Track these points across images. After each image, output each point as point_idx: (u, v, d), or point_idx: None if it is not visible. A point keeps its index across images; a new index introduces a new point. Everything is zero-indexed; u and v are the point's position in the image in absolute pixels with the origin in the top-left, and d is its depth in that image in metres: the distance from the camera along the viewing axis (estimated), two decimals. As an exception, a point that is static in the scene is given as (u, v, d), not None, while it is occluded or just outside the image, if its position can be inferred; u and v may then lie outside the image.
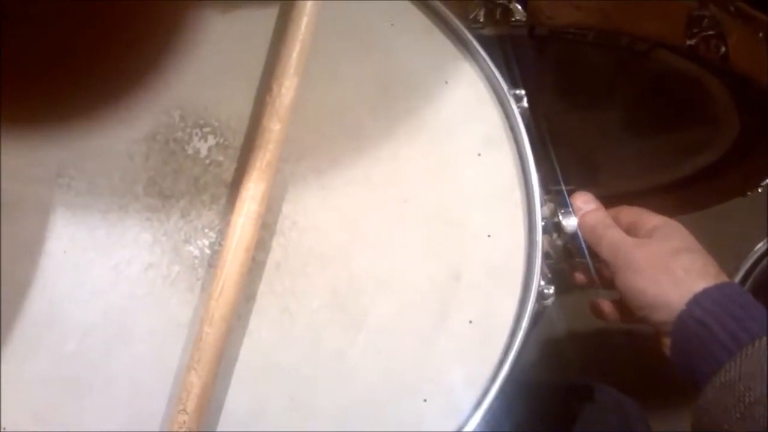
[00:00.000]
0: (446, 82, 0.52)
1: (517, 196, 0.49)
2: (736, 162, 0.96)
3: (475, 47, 0.51)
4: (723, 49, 0.72)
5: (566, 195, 0.51)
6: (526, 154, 0.49)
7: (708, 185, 1.02)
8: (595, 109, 0.98)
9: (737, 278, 0.95)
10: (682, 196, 1.05)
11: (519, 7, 0.71)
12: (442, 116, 0.51)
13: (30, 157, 0.49)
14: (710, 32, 0.71)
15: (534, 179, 0.49)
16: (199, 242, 0.48)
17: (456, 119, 0.51)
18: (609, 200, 1.02)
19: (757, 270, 1.00)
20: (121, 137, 0.50)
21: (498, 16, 0.70)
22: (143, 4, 0.52)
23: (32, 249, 0.48)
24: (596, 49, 0.82)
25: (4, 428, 0.44)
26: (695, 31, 0.72)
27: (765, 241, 1.00)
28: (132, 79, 0.51)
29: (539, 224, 0.48)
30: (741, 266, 1.00)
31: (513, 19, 0.71)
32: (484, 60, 0.51)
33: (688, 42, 0.72)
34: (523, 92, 0.51)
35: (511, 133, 0.50)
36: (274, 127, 0.47)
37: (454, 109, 0.51)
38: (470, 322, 0.47)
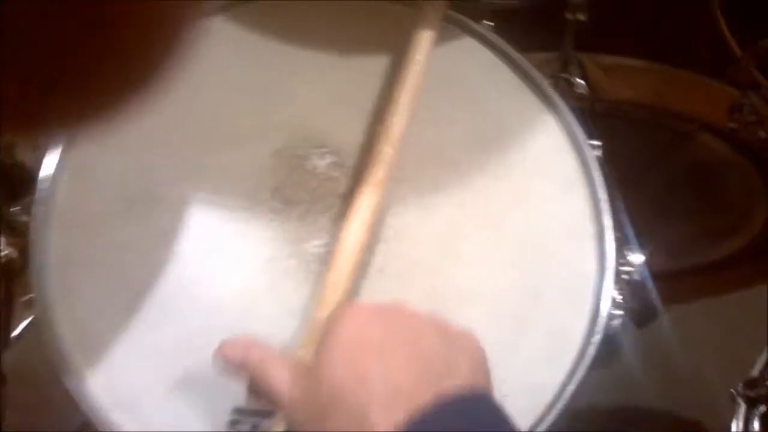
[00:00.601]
0: (530, 130, 0.61)
1: (591, 230, 0.57)
2: (765, 248, 1.02)
3: (557, 102, 0.60)
4: (762, 134, 0.81)
5: (631, 233, 0.59)
6: (599, 194, 0.57)
7: (736, 270, 1.08)
8: (631, 187, 1.06)
9: (756, 368, 0.98)
10: (710, 279, 1.11)
11: (581, 81, 0.81)
12: (528, 158, 0.60)
13: (175, 157, 0.58)
14: (750, 118, 0.80)
15: (606, 216, 0.57)
16: (313, 242, 0.56)
17: (539, 161, 0.59)
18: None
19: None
20: (254, 150, 0.59)
21: (563, 88, 0.80)
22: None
23: (168, 236, 0.56)
24: (644, 128, 0.91)
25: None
26: (736, 116, 0.81)
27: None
28: (270, 105, 0.60)
29: (611, 256, 0.55)
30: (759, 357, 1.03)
31: (576, 91, 0.81)
32: (565, 113, 0.60)
33: (730, 125, 0.81)
34: (598, 143, 0.60)
35: (587, 177, 0.58)
36: (387, 151, 0.55)
37: (537, 152, 0.60)
38: (547, 334, 0.54)
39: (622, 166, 0.91)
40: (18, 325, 1.05)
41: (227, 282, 0.55)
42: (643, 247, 0.59)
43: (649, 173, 1.00)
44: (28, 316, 1.03)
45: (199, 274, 0.55)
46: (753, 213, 0.99)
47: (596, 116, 0.82)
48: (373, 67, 0.63)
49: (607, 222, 0.56)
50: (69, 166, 0.57)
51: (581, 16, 0.86)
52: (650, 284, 0.62)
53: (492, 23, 0.65)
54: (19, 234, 0.74)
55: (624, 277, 0.58)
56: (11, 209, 0.67)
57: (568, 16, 0.85)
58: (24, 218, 0.74)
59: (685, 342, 1.18)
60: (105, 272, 0.55)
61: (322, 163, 0.59)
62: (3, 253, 0.82)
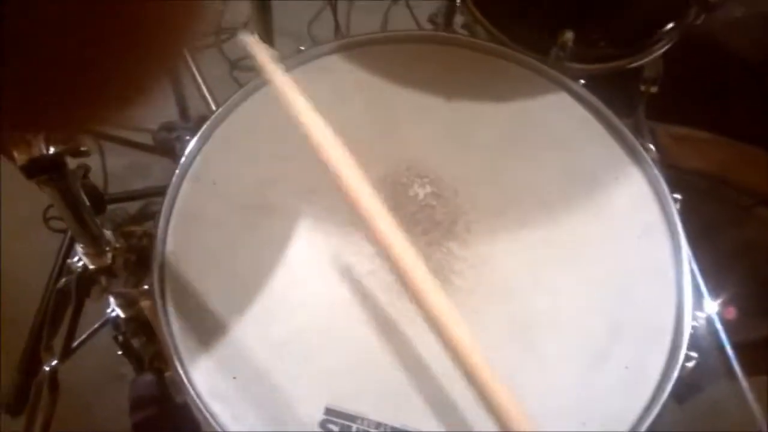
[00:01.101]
0: (617, 179, 0.65)
1: (671, 275, 0.60)
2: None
3: (644, 156, 0.65)
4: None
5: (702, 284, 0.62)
6: (680, 242, 0.61)
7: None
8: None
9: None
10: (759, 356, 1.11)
11: (652, 146, 0.86)
12: (614, 203, 0.64)
13: (288, 168, 0.63)
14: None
15: (686, 264, 0.60)
16: (410, 262, 0.60)
17: (624, 207, 0.64)
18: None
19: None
20: (363, 172, 0.64)
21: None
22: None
23: (278, 243, 0.61)
24: (706, 199, 0.95)
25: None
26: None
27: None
28: (379, 137, 0.66)
29: (688, 301, 0.59)
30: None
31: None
32: (650, 166, 0.64)
33: (788, 199, 0.85)
34: (679, 196, 0.64)
35: (669, 225, 0.62)
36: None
37: (623, 199, 0.64)
38: (626, 367, 0.57)
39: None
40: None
41: (327, 290, 0.59)
42: (715, 298, 0.62)
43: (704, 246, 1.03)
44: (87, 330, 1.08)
45: (303, 279, 0.59)
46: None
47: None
48: (473, 111, 0.68)
49: (687, 268, 0.60)
50: (192, 173, 0.63)
51: (653, 89, 0.92)
52: (724, 338, 0.65)
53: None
54: (97, 245, 0.79)
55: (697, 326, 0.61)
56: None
57: (642, 88, 0.91)
58: (106, 233, 0.80)
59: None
60: (216, 271, 0.59)
61: (422, 192, 0.63)
62: (79, 264, 0.87)
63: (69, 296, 0.98)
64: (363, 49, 0.71)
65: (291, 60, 0.69)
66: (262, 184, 0.63)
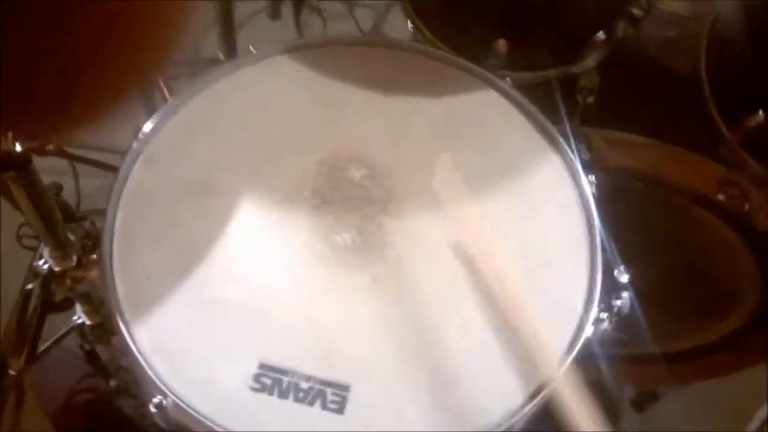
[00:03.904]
0: (537, 163, 0.71)
1: (584, 246, 0.65)
2: (756, 331, 1.07)
3: (561, 143, 0.71)
4: (747, 206, 0.90)
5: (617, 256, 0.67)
6: (593, 219, 0.66)
7: (731, 352, 1.12)
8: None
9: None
10: (706, 362, 1.15)
11: (585, 148, 0.92)
12: (533, 185, 0.69)
13: (233, 153, 0.69)
14: (736, 191, 0.90)
15: (597, 234, 0.65)
16: (344, 234, 0.65)
17: (542, 189, 0.69)
18: (634, 363, 1.11)
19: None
20: (302, 158, 0.69)
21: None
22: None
23: (220, 219, 0.66)
24: (641, 202, 1.00)
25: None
26: (725, 189, 0.90)
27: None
28: (321, 126, 0.72)
29: (599, 268, 0.64)
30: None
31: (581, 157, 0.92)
32: (567, 152, 0.70)
33: (719, 196, 0.90)
34: (593, 178, 0.69)
35: (583, 204, 0.68)
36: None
37: (541, 181, 0.70)
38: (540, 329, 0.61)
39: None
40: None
41: (266, 259, 0.64)
42: (628, 270, 0.67)
43: (645, 254, 1.07)
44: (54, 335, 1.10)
45: (243, 251, 0.64)
46: (744, 295, 1.05)
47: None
48: (409, 105, 0.74)
49: (598, 239, 0.65)
50: (143, 155, 0.68)
51: (590, 99, 0.99)
52: (638, 311, 0.69)
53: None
54: (65, 248, 0.83)
55: (615, 306, 0.65)
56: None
57: (578, 98, 0.97)
58: (71, 237, 0.84)
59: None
60: (160, 243, 0.64)
61: (358, 174, 0.69)
62: (45, 266, 0.90)
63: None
64: (311, 51, 0.78)
65: (240, 60, 0.76)
66: (207, 167, 0.68)
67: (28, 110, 0.56)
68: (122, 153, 0.68)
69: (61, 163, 1.22)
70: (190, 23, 0.56)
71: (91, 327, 0.97)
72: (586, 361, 0.63)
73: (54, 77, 0.52)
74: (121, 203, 0.65)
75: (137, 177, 0.67)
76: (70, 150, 1.20)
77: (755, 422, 0.89)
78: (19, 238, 1.37)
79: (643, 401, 1.27)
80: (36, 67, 0.51)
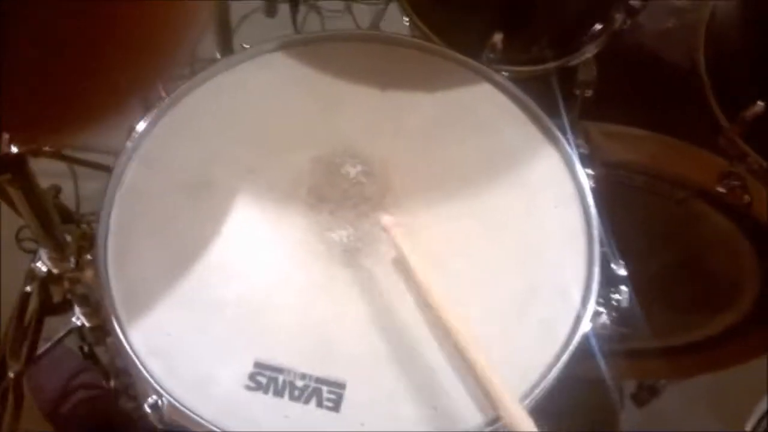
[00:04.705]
0: (533, 157, 0.70)
1: (581, 239, 0.65)
2: (756, 324, 1.07)
3: (558, 136, 0.70)
4: (747, 198, 0.89)
5: (615, 250, 0.66)
6: (590, 212, 0.66)
7: (731, 346, 1.12)
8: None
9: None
10: (707, 356, 1.14)
11: (584, 141, 0.91)
12: (530, 178, 0.69)
13: (228, 151, 0.68)
14: (737, 183, 0.89)
15: (595, 229, 0.65)
16: (340, 232, 0.65)
17: (539, 182, 0.68)
18: (635, 357, 1.11)
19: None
20: (298, 155, 0.69)
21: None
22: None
23: (216, 217, 0.65)
24: (642, 197, 1.00)
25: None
26: (725, 182, 0.90)
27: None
28: (316, 122, 0.72)
29: (597, 262, 0.63)
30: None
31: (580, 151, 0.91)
32: (564, 145, 0.70)
33: (719, 188, 0.90)
34: (591, 171, 0.69)
35: (580, 197, 0.67)
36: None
37: (539, 175, 0.69)
38: (538, 323, 0.61)
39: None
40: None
41: (262, 258, 0.63)
42: (626, 263, 0.66)
43: (646, 249, 1.06)
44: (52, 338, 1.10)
45: (238, 249, 0.64)
46: (744, 288, 1.05)
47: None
48: (404, 100, 0.74)
49: (596, 232, 0.64)
50: (138, 153, 0.68)
51: (588, 93, 0.98)
52: (637, 305, 0.69)
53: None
54: (63, 250, 0.83)
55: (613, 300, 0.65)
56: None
57: (577, 91, 0.97)
58: (69, 239, 0.83)
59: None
60: (155, 242, 0.64)
61: (354, 170, 0.68)
62: (43, 269, 0.90)
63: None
64: (306, 47, 0.77)
65: (235, 57, 0.75)
66: (202, 165, 0.68)
67: (29, 112, 0.56)
68: (116, 153, 0.68)
69: (60, 165, 1.21)
70: (192, 26, 0.55)
71: (90, 329, 0.96)
72: (585, 356, 0.62)
73: (55, 79, 0.52)
74: (116, 203, 0.65)
75: (132, 176, 0.67)
76: (69, 152, 1.19)
77: (755, 414, 0.89)
78: (18, 240, 1.38)
79: (644, 396, 1.26)
80: (37, 69, 0.51)
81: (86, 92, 0.55)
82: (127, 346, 0.58)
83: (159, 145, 0.69)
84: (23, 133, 0.61)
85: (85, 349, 1.11)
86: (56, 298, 0.99)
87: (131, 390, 1.08)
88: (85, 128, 0.62)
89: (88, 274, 0.64)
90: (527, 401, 0.56)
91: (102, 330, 0.96)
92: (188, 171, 0.67)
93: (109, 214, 0.64)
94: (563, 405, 0.60)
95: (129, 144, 0.68)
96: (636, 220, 1.02)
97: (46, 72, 0.51)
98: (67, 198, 1.21)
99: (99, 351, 1.09)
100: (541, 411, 0.57)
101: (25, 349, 1.06)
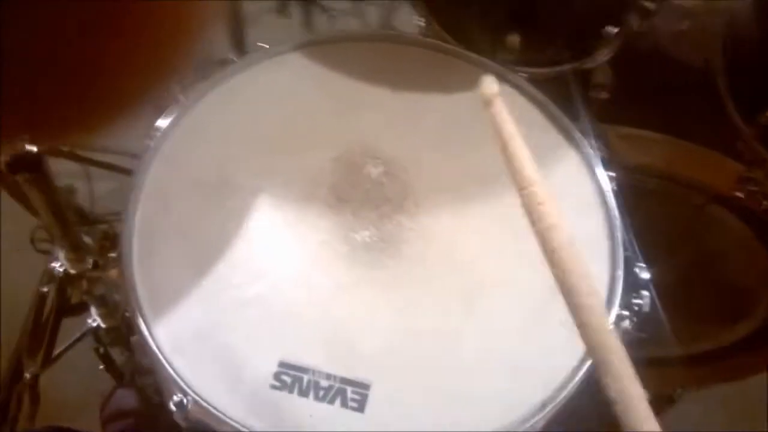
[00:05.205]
0: (554, 159, 0.70)
1: (604, 242, 0.65)
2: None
3: (578, 139, 0.70)
4: (766, 203, 0.89)
5: (638, 253, 0.66)
6: (613, 215, 0.66)
7: (748, 355, 1.11)
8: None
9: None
10: (725, 365, 1.14)
11: (602, 144, 0.91)
12: (551, 181, 0.69)
13: (248, 151, 0.69)
14: (755, 188, 0.89)
15: (618, 232, 0.65)
16: (362, 232, 0.65)
17: (560, 184, 0.69)
18: (652, 366, 1.10)
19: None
20: (319, 155, 0.69)
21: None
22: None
23: (238, 216, 0.65)
24: (659, 202, 0.99)
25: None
26: (742, 186, 0.90)
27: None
28: (336, 122, 0.72)
29: (621, 265, 0.63)
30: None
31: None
32: (585, 149, 0.70)
33: (737, 193, 0.90)
34: (613, 174, 0.69)
35: (602, 200, 0.67)
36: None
37: (560, 178, 0.69)
38: (562, 325, 0.61)
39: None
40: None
41: (284, 258, 0.64)
42: (649, 266, 0.66)
43: (662, 254, 1.06)
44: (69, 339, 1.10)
45: (261, 249, 0.64)
46: (760, 296, 1.04)
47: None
48: (421, 100, 0.74)
49: (619, 236, 0.64)
50: (159, 153, 0.68)
51: (604, 95, 0.98)
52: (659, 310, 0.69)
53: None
54: (78, 250, 0.83)
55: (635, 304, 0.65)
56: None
57: (592, 93, 0.97)
58: (87, 239, 0.84)
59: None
60: (179, 241, 0.64)
61: (375, 171, 0.69)
62: (60, 269, 0.90)
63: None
64: (321, 47, 0.77)
65: (252, 56, 0.76)
66: (223, 165, 0.68)
67: (43, 111, 0.56)
68: (138, 153, 0.68)
69: (74, 166, 1.22)
70: (203, 25, 0.56)
71: (106, 330, 0.96)
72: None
73: (61, 80, 0.52)
74: (140, 202, 0.65)
75: (154, 176, 0.67)
76: (83, 153, 1.20)
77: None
78: (33, 241, 1.38)
79: (660, 405, 1.26)
80: (52, 69, 0.51)
81: (94, 92, 0.55)
82: (153, 344, 0.58)
83: (180, 146, 0.69)
84: (26, 134, 0.62)
85: (101, 350, 1.11)
86: (74, 299, 0.99)
87: (147, 391, 1.08)
88: (93, 129, 0.62)
89: (113, 273, 0.65)
90: (551, 406, 0.56)
91: (118, 331, 0.96)
92: (209, 171, 0.68)
93: (133, 214, 0.64)
94: (584, 412, 0.60)
95: (150, 144, 0.68)
96: (651, 224, 1.01)
97: (51, 72, 0.51)
98: (81, 198, 1.21)
99: (114, 353, 1.09)
100: (563, 416, 0.58)
101: (42, 351, 1.07)
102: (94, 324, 0.95)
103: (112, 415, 1.06)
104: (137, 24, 0.53)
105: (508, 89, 0.76)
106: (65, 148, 1.05)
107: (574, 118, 0.85)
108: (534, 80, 0.79)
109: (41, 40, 0.48)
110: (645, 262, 0.67)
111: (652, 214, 1.00)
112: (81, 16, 0.48)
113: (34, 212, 0.76)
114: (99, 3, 0.49)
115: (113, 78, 0.55)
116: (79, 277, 0.85)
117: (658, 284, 0.70)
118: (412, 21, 0.94)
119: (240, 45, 1.14)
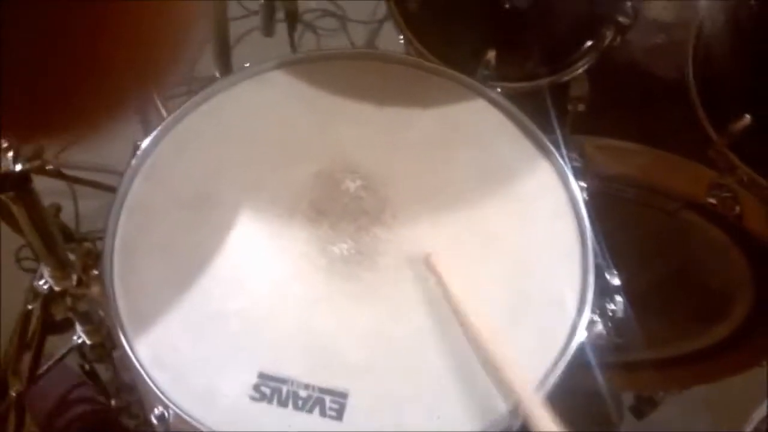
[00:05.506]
0: (527, 170, 0.72)
1: (576, 249, 0.67)
2: (750, 335, 1.08)
3: (551, 150, 0.72)
4: (738, 208, 0.91)
5: (609, 260, 0.68)
6: (584, 224, 0.68)
7: (728, 356, 1.13)
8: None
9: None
10: (704, 366, 1.16)
11: (578, 155, 0.93)
12: (524, 192, 0.71)
13: (230, 167, 0.70)
14: (727, 194, 0.91)
15: (589, 239, 0.66)
16: (340, 245, 0.66)
17: (534, 194, 0.70)
18: (630, 369, 1.12)
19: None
20: (299, 170, 0.71)
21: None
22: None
23: (219, 231, 0.67)
24: (634, 209, 1.01)
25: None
26: (715, 192, 0.92)
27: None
28: (316, 138, 0.74)
29: (591, 272, 0.65)
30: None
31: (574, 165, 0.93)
32: (557, 159, 0.72)
33: (709, 200, 0.92)
34: (585, 185, 0.71)
35: (574, 209, 0.69)
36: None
37: (532, 188, 0.71)
38: (536, 330, 0.62)
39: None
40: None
41: (265, 271, 0.65)
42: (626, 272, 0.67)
43: (640, 260, 1.08)
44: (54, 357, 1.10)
45: (242, 263, 0.65)
46: (737, 299, 1.06)
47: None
48: (401, 116, 0.76)
49: (590, 244, 0.66)
50: (142, 170, 0.69)
51: (581, 107, 1.00)
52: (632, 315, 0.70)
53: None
54: (65, 268, 0.84)
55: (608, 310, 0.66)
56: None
57: (569, 106, 0.99)
58: (71, 257, 0.85)
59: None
60: (160, 256, 0.65)
61: (353, 185, 0.70)
62: (45, 286, 0.91)
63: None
64: (303, 65, 0.79)
65: (235, 75, 0.77)
66: (205, 181, 0.70)
67: (26, 114, 0.56)
68: (121, 170, 0.69)
69: (60, 184, 1.23)
70: (191, 26, 0.57)
71: (91, 346, 0.97)
72: (581, 367, 0.64)
73: (53, 81, 0.53)
74: (121, 218, 0.67)
75: (136, 193, 0.69)
76: (69, 171, 1.21)
77: (753, 422, 0.90)
78: (18, 260, 1.39)
79: (643, 408, 1.27)
80: (35, 72, 0.52)
81: (84, 91, 0.55)
82: (134, 359, 0.59)
83: (163, 162, 0.70)
84: (20, 133, 0.62)
85: (86, 367, 1.11)
86: (58, 316, 0.99)
87: (133, 407, 1.09)
88: (84, 129, 0.63)
89: (95, 289, 0.66)
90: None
91: (103, 347, 0.97)
92: (191, 187, 0.69)
93: (114, 230, 0.66)
94: (561, 417, 0.61)
95: (133, 161, 0.69)
96: (629, 232, 1.03)
97: (42, 72, 0.52)
98: (67, 217, 1.22)
99: (99, 369, 1.10)
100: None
101: (26, 368, 1.07)
102: (79, 340, 0.96)
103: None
104: (124, 21, 0.53)
105: (483, 104, 0.77)
106: (51, 167, 1.06)
107: (550, 130, 0.87)
108: (511, 94, 0.80)
109: (24, 40, 0.49)
110: (616, 269, 0.68)
111: (631, 222, 1.02)
112: (65, 14, 0.48)
113: (19, 231, 0.77)
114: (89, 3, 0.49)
115: (99, 76, 0.55)
116: (64, 293, 0.86)
117: (636, 289, 0.73)
118: (395, 39, 0.96)
119: (226, 63, 1.15)
